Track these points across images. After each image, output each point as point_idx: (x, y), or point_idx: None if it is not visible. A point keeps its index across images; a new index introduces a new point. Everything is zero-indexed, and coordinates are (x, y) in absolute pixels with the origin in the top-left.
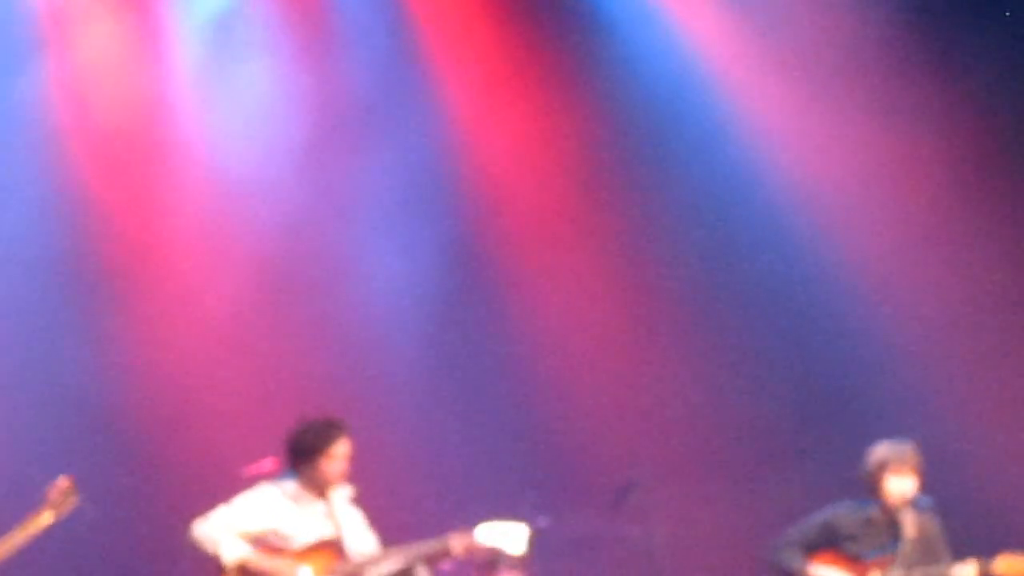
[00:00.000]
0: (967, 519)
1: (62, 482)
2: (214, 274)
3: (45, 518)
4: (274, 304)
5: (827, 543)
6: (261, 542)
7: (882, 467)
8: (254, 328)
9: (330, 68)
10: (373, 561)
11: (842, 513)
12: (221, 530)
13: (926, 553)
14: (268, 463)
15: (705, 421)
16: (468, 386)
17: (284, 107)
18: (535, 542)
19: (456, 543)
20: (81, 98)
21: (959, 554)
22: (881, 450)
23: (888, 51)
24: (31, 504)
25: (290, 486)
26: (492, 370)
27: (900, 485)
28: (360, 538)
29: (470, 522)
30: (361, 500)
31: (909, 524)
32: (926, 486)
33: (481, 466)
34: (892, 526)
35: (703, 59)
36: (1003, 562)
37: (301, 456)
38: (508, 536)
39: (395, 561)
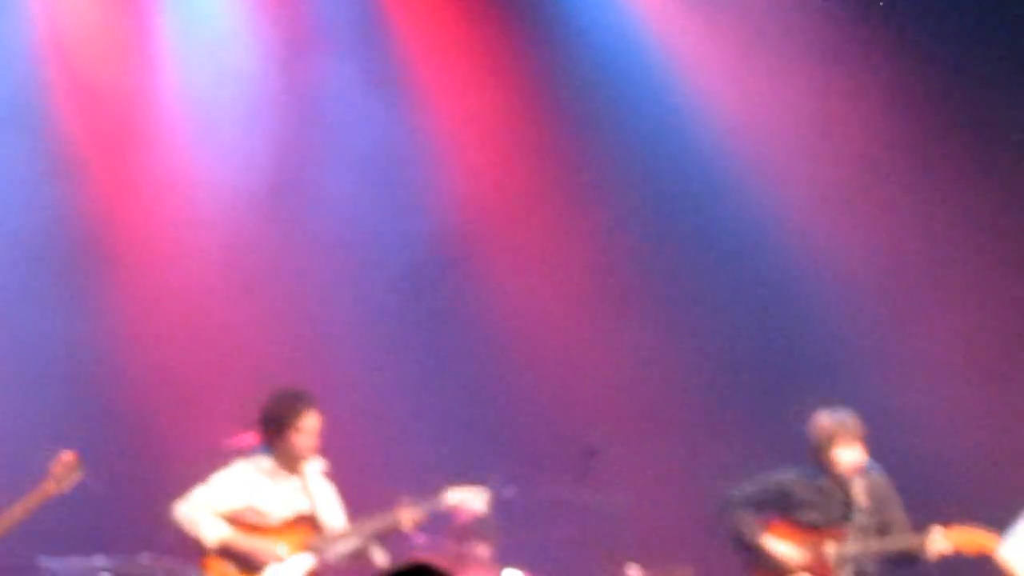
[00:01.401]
0: (914, 482)
1: (66, 456)
2: (192, 249)
3: (46, 491)
4: (250, 279)
5: (778, 508)
6: (239, 520)
7: (830, 439)
8: (231, 303)
9: (305, 57)
10: (338, 537)
11: (794, 479)
12: (200, 511)
13: (881, 519)
14: (247, 436)
15: (666, 388)
16: (433, 359)
17: (261, 92)
18: (502, 512)
19: (405, 516)
20: (65, 63)
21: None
22: (825, 423)
23: (839, 14)
24: (25, 478)
25: (264, 462)
26: (456, 343)
27: (850, 455)
28: (332, 512)
29: (436, 493)
30: (331, 475)
31: (860, 492)
32: (880, 451)
33: (447, 438)
34: (844, 495)
35: (658, 38)
36: (957, 533)
37: (272, 430)
38: (472, 497)
39: (352, 538)
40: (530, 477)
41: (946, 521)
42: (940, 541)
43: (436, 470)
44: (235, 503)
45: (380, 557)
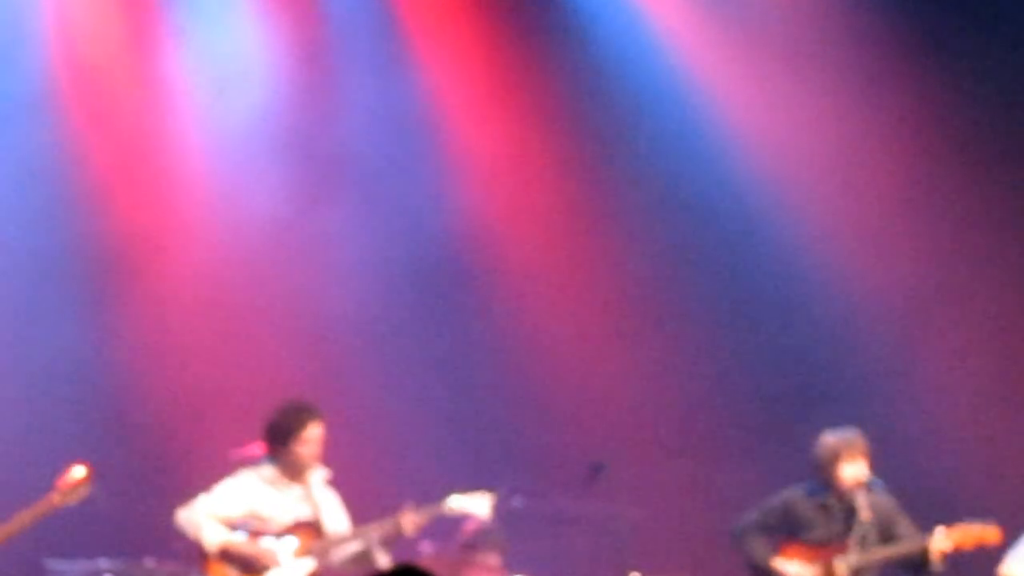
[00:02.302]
0: (924, 503)
1: (78, 470)
2: (207, 259)
3: (53, 502)
4: (262, 291)
5: (786, 529)
6: (242, 526)
7: (835, 457)
8: (243, 314)
9: (318, 63)
10: (339, 541)
11: (798, 499)
12: (202, 516)
13: (883, 532)
14: (254, 447)
15: (675, 405)
16: (445, 371)
17: (275, 104)
18: (510, 522)
19: (407, 521)
20: (82, 80)
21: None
22: (830, 440)
23: (860, 31)
24: (38, 487)
25: (267, 471)
26: (469, 356)
27: (853, 471)
28: (335, 519)
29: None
30: (341, 483)
31: (863, 507)
32: (887, 471)
33: (457, 449)
34: (847, 511)
35: (676, 50)
36: (958, 531)
37: (276, 441)
38: (475, 503)
39: (356, 543)
40: (538, 489)
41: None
42: (942, 540)
43: (446, 480)
44: (238, 510)
45: (384, 561)
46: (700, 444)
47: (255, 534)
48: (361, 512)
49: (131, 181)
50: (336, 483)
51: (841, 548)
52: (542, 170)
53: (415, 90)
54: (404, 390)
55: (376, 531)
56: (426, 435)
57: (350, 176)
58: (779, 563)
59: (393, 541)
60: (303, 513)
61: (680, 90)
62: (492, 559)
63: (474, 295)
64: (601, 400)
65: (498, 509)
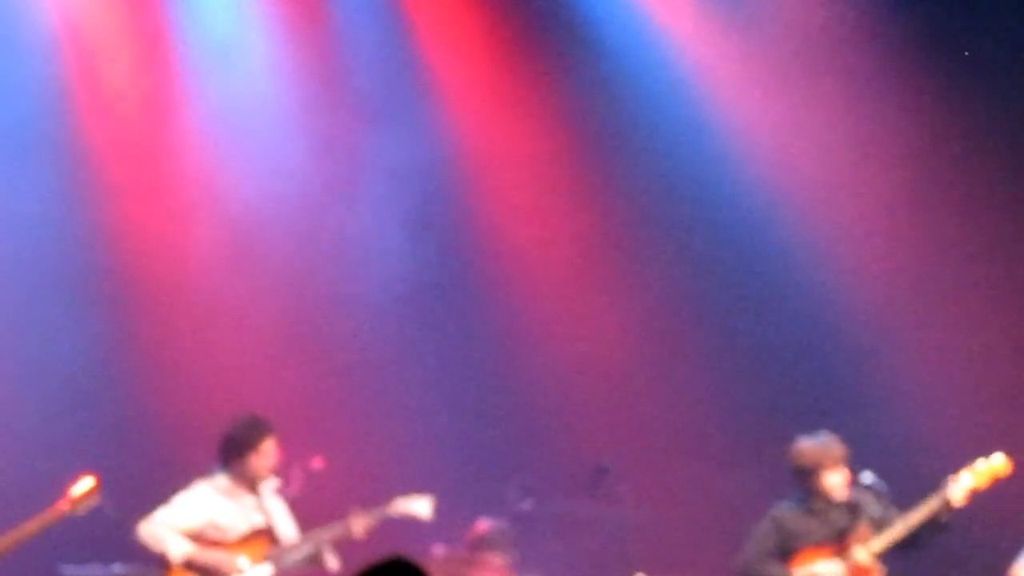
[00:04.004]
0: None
1: (87, 480)
2: (209, 265)
3: (61, 512)
4: (267, 299)
5: (786, 545)
6: (201, 536)
7: (816, 467)
8: (249, 317)
9: (329, 67)
10: (294, 546)
11: (786, 514)
12: (165, 529)
13: (881, 512)
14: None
15: (680, 409)
16: (454, 374)
17: (288, 108)
18: (518, 524)
19: (357, 525)
20: (89, 85)
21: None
22: (809, 450)
23: (863, 39)
24: (42, 496)
25: (222, 481)
26: (474, 360)
27: (836, 480)
28: (286, 526)
29: (454, 505)
30: (347, 486)
31: (865, 502)
32: (895, 472)
33: (467, 451)
34: (847, 508)
35: (681, 53)
36: (968, 472)
37: (233, 453)
38: (417, 505)
39: (308, 546)
40: (546, 491)
41: (958, 555)
42: (959, 486)
43: (455, 483)
44: (196, 520)
45: (333, 562)
46: (704, 447)
47: (214, 543)
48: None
49: (133, 185)
50: (342, 486)
51: (853, 540)
52: (546, 175)
53: (423, 96)
54: (410, 395)
55: (326, 534)
56: (433, 439)
57: (362, 183)
58: (798, 572)
59: (343, 543)
60: (257, 521)
61: (687, 90)
62: (499, 560)
63: (480, 299)
64: (607, 404)
65: (507, 511)
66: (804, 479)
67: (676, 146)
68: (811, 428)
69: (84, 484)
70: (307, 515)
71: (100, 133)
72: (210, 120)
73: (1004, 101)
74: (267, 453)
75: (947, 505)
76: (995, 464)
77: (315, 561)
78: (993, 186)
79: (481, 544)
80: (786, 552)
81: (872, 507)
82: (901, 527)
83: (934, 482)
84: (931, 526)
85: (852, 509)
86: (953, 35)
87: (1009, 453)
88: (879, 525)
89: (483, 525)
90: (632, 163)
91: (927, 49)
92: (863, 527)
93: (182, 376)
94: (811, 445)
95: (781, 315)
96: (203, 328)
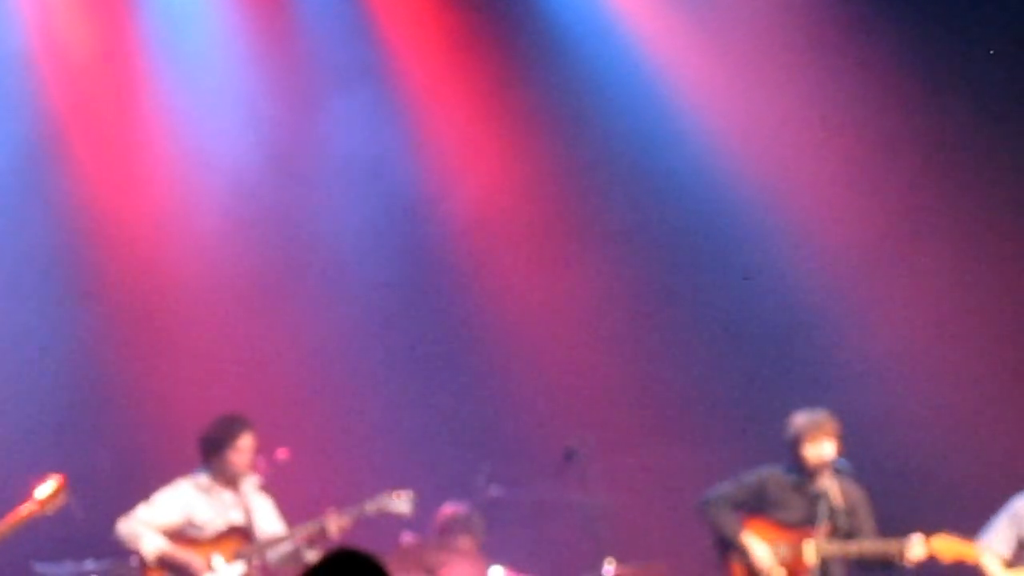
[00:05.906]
0: (904, 485)
1: (53, 480)
2: (184, 256)
3: (29, 513)
4: (245, 288)
5: (755, 506)
6: (178, 533)
7: (800, 436)
8: (224, 313)
9: (292, 58)
10: (268, 544)
11: (775, 477)
12: (141, 526)
13: (852, 522)
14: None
15: (651, 392)
16: (421, 360)
17: (250, 95)
18: (488, 510)
19: (331, 523)
20: (57, 66)
21: (898, 520)
22: (798, 420)
23: (829, 30)
24: (16, 495)
25: (203, 479)
26: (444, 343)
27: (818, 450)
28: (269, 522)
29: (423, 493)
30: (317, 474)
31: (835, 493)
32: (867, 450)
33: (434, 438)
34: (818, 495)
35: (653, 52)
36: (940, 541)
37: (211, 450)
38: (397, 503)
39: (285, 544)
40: (515, 477)
41: (927, 529)
42: (919, 548)
43: (425, 470)
44: (174, 518)
45: (312, 560)
46: (676, 429)
47: (190, 541)
48: (335, 503)
49: (107, 175)
50: (312, 474)
51: (810, 532)
52: (519, 169)
53: (393, 95)
54: (377, 383)
55: (301, 532)
56: (400, 427)
57: (330, 178)
58: (747, 538)
59: (319, 541)
60: (236, 518)
61: (657, 91)
62: (468, 543)
63: (445, 285)
64: (576, 388)
65: (476, 497)
66: (791, 448)
67: (643, 128)
68: (785, 408)
69: (49, 484)
70: (278, 505)
71: (62, 98)
72: (177, 115)
73: (980, 85)
74: (244, 449)
75: (900, 555)
76: (968, 550)
77: (295, 559)
78: (964, 165)
79: (449, 528)
80: (752, 511)
81: (843, 518)
82: (855, 547)
83: (905, 462)
84: (882, 562)
85: (821, 501)
86: (921, 22)
87: (983, 425)
88: (844, 534)
89: (449, 508)
90: (599, 145)
91: (892, 32)
92: (826, 525)
93: (153, 373)
94: (800, 416)
95: (753, 296)
96: (172, 326)
